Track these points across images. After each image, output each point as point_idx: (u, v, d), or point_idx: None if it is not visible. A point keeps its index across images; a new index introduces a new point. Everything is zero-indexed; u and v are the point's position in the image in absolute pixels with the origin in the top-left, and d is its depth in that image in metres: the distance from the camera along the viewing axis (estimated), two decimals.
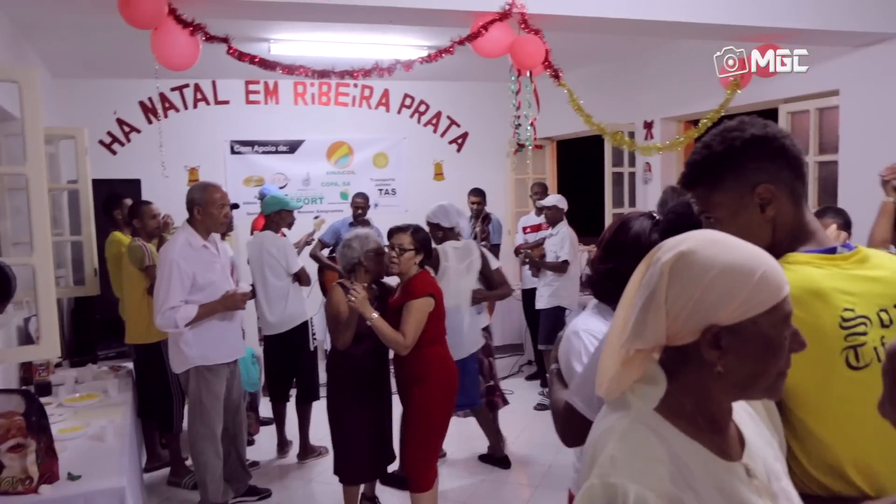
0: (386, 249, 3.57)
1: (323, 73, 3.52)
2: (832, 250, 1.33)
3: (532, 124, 3.80)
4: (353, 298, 3.24)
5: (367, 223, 6.34)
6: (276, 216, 4.75)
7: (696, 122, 6.71)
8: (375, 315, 3.31)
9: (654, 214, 1.83)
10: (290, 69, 3.48)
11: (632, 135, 5.84)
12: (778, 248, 1.32)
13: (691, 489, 0.99)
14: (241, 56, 3.37)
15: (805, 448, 1.29)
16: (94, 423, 3.37)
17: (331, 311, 3.53)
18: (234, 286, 4.03)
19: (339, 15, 3.45)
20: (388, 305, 3.56)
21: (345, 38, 5.56)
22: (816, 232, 1.38)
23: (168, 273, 3.65)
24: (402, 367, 3.55)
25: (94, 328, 5.90)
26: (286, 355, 4.81)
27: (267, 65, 3.44)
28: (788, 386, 1.14)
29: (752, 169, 1.36)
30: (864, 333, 1.25)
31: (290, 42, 5.62)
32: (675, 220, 1.67)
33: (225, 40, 3.25)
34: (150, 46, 3.14)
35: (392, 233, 3.56)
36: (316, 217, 6.58)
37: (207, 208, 3.76)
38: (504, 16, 3.50)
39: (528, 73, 3.65)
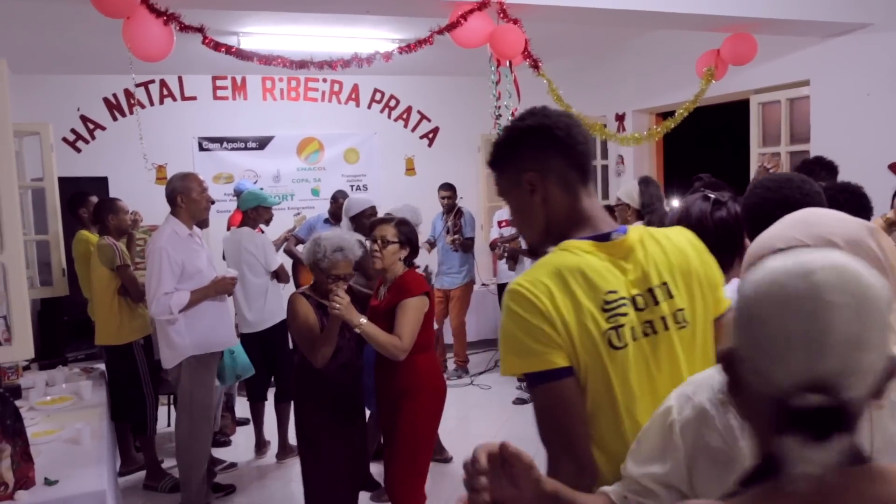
0: (367, 245, 3.27)
1: (301, 64, 3.44)
2: (606, 236, 1.39)
3: (513, 115, 3.78)
4: (337, 306, 2.84)
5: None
6: (253, 212, 4.67)
7: (666, 115, 6.78)
8: (364, 320, 2.92)
9: (709, 195, 1.86)
10: (266, 60, 3.40)
11: (604, 127, 5.84)
12: (553, 233, 1.43)
13: None
14: (216, 46, 3.29)
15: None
16: (68, 425, 3.28)
17: (299, 325, 3.10)
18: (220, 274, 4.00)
19: (317, 5, 3.40)
20: (369, 310, 3.18)
21: (315, 31, 5.48)
22: (592, 218, 1.43)
23: (158, 260, 3.66)
24: (388, 379, 3.16)
25: (61, 330, 5.75)
26: (264, 354, 4.74)
27: (243, 55, 3.36)
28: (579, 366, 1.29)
29: (524, 157, 1.44)
30: (625, 314, 1.33)
31: (260, 36, 5.51)
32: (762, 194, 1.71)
33: (200, 30, 3.16)
34: (123, 36, 3.04)
35: (375, 224, 3.27)
36: (297, 214, 6.51)
37: (189, 194, 3.78)
38: (482, 5, 3.48)
39: (507, 64, 3.62)
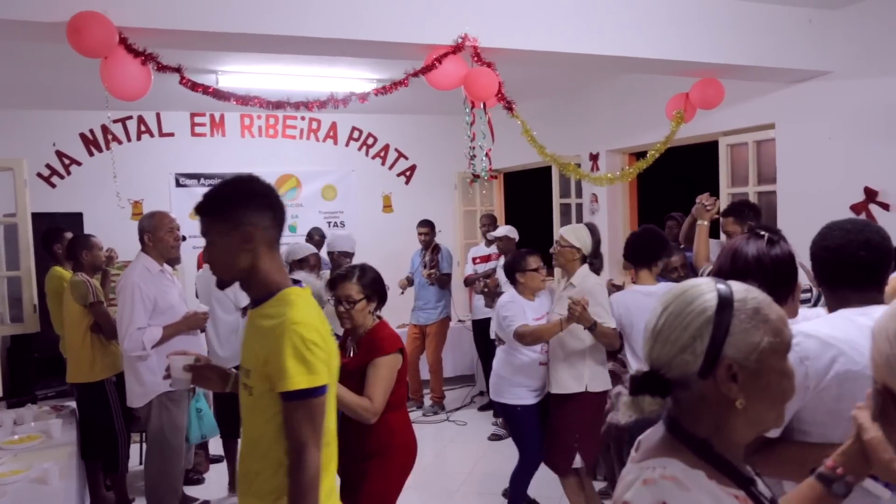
0: (330, 303, 2.98)
1: (278, 105, 3.50)
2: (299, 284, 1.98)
3: (487, 155, 3.86)
4: None
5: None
6: None
7: (639, 155, 6.92)
8: None
9: (761, 233, 1.96)
10: (243, 100, 3.45)
11: (577, 167, 5.96)
12: (252, 277, 1.93)
13: None
14: (193, 87, 3.33)
15: None
16: (36, 465, 3.23)
17: None
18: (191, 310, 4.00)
19: (291, 47, 3.46)
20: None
21: (293, 70, 5.56)
22: (283, 270, 2.00)
23: (130, 295, 3.66)
24: (356, 440, 2.84)
25: (31, 367, 5.67)
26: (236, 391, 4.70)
27: (220, 95, 3.40)
28: None
29: (244, 213, 1.88)
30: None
31: (238, 74, 5.58)
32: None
33: (178, 70, 3.21)
34: (101, 76, 3.08)
35: (335, 283, 2.96)
36: None
37: (157, 233, 3.82)
38: (457, 48, 3.56)
39: (481, 105, 3.71)
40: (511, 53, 3.70)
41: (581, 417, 3.78)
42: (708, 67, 4.56)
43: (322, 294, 2.92)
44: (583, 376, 3.76)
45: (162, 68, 3.15)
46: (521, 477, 4.03)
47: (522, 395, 3.90)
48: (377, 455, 2.88)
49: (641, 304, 3.58)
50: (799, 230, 4.97)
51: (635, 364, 3.67)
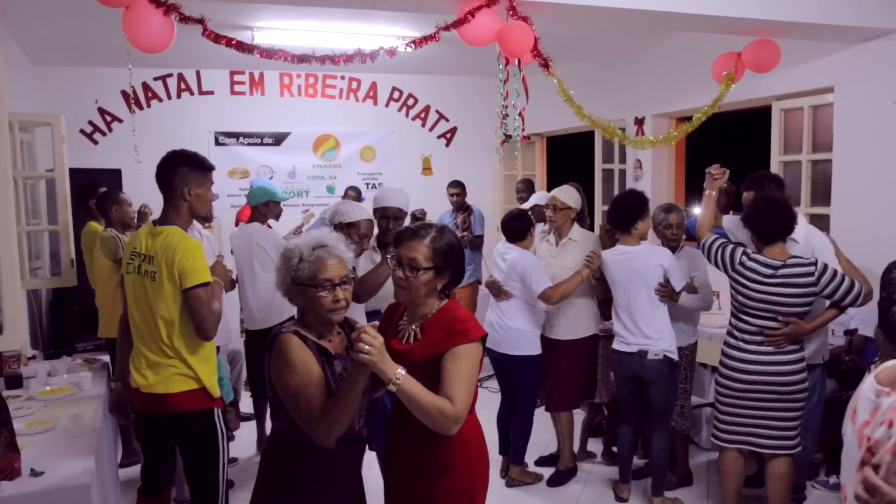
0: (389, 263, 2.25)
1: (303, 58, 3.39)
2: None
3: (520, 115, 3.70)
4: (366, 348, 1.82)
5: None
6: (263, 207, 4.61)
7: (688, 119, 6.64)
8: (402, 372, 1.92)
9: None
10: (267, 54, 3.35)
11: (620, 130, 5.72)
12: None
13: None
14: (216, 38, 3.24)
15: None
16: (63, 416, 3.26)
17: (296, 383, 2.01)
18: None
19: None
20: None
21: (328, 27, 5.45)
22: None
23: None
24: (419, 454, 2.18)
25: (71, 320, 5.77)
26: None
27: (243, 48, 3.31)
28: None
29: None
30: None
31: (273, 30, 5.49)
32: None
33: (200, 21, 3.12)
34: (122, 27, 3.02)
35: (400, 239, 2.21)
36: (305, 211, 6.45)
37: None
38: (491, 2, 3.40)
39: (516, 62, 3.54)
40: (548, 7, 3.51)
41: (588, 356, 4.36)
42: (764, 25, 4.29)
43: (340, 243, 2.20)
44: (589, 321, 4.30)
45: (184, 19, 3.06)
46: (527, 428, 4.34)
47: (538, 346, 4.25)
48: (448, 474, 2.16)
49: (619, 263, 3.94)
50: (855, 201, 4.74)
51: (620, 312, 3.96)
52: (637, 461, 4.50)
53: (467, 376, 2.06)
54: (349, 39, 5.60)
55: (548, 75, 3.62)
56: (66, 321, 5.81)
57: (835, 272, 3.23)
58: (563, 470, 4.46)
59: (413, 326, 2.22)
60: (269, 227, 4.85)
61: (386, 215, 3.45)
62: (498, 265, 4.33)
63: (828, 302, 3.32)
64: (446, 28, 3.37)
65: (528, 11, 3.48)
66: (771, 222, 3.29)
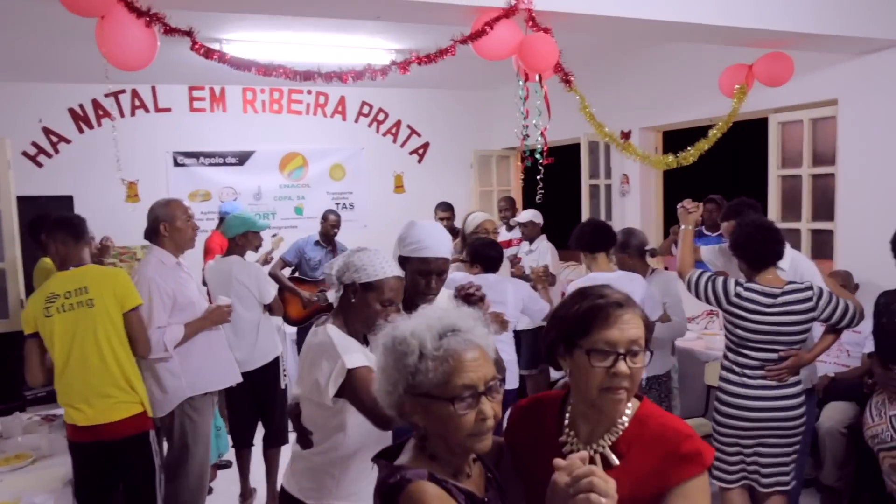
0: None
1: (307, 76, 2.99)
2: None
3: (542, 134, 3.38)
4: (604, 502, 1.14)
5: (334, 244, 5.83)
6: (241, 238, 4.18)
7: (672, 134, 6.46)
8: None
9: None
10: (266, 70, 2.95)
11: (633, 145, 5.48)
12: None
13: None
14: (207, 53, 2.82)
15: None
16: (26, 497, 2.78)
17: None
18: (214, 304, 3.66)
19: (323, 8, 2.98)
20: None
21: (302, 38, 5.05)
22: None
23: (148, 293, 3.30)
24: None
25: (19, 368, 5.15)
26: (254, 395, 4.24)
27: (239, 64, 2.89)
28: None
29: None
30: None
31: (245, 42, 5.05)
32: None
33: (188, 34, 2.70)
34: (97, 40, 2.57)
35: (604, 316, 1.44)
36: (274, 235, 5.99)
37: (174, 223, 3.46)
38: (510, 12, 3.07)
39: (536, 78, 3.22)
40: (571, 18, 3.21)
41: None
42: (767, 36, 4.09)
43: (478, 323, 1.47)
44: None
45: (170, 31, 2.64)
46: None
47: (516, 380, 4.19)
48: None
49: None
50: (859, 216, 4.57)
51: None
52: None
53: None
54: (324, 52, 5.22)
55: (568, 91, 3.31)
56: (12, 369, 5.20)
57: (830, 295, 3.15)
58: None
59: (600, 445, 1.45)
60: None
61: (427, 270, 2.40)
62: (502, 299, 3.92)
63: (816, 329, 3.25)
64: (463, 41, 3.03)
65: (549, 22, 3.16)
66: (762, 248, 3.16)
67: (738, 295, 3.13)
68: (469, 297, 2.39)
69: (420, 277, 2.38)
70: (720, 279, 3.22)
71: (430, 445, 1.40)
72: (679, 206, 3.69)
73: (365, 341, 2.22)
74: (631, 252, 4.09)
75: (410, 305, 2.24)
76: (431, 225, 2.53)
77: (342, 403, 2.09)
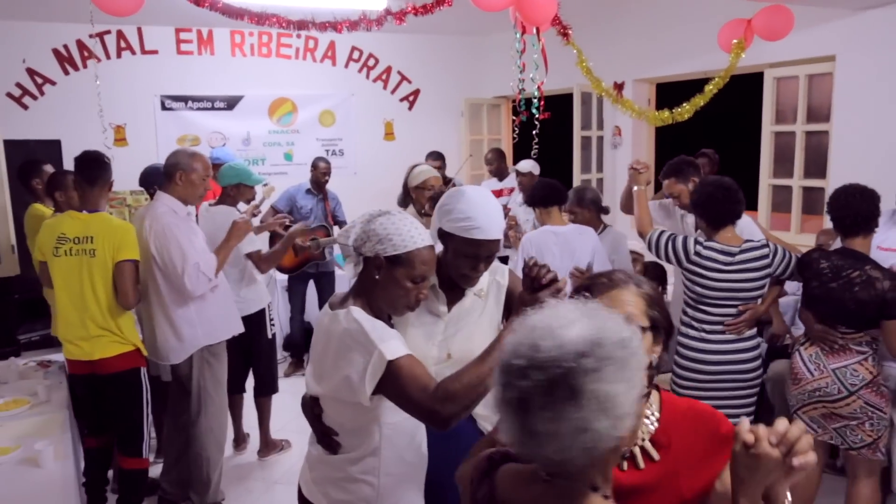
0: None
1: (301, 24, 2.93)
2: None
3: (539, 89, 3.35)
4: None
5: (325, 192, 5.79)
6: (233, 189, 4.13)
7: (666, 86, 6.42)
8: None
9: None
10: (259, 19, 2.88)
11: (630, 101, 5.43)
12: None
13: None
14: (198, 0, 2.76)
15: None
16: (26, 442, 2.82)
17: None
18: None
19: None
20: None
21: None
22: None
23: (170, 236, 3.33)
24: None
25: (12, 311, 5.18)
26: (241, 344, 4.26)
27: (231, 12, 2.83)
28: None
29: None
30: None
31: None
32: None
33: None
34: None
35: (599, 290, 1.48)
36: (265, 184, 5.92)
37: (190, 175, 3.42)
38: None
39: (534, 31, 3.17)
40: None
41: None
42: None
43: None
44: None
45: None
46: None
47: None
48: None
49: (549, 241, 3.79)
50: (851, 175, 4.61)
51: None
52: None
53: None
54: None
55: (566, 45, 3.28)
56: (6, 312, 5.22)
57: (784, 252, 3.22)
58: None
59: (639, 441, 1.38)
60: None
61: (476, 253, 2.01)
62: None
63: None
64: None
65: None
66: (723, 207, 3.19)
67: (697, 253, 3.19)
68: (537, 281, 1.73)
69: (465, 260, 2.01)
70: (680, 238, 3.27)
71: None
72: (629, 167, 3.72)
73: (388, 323, 1.87)
74: (585, 205, 4.12)
75: (448, 285, 2.09)
76: (483, 198, 2.03)
77: (378, 400, 1.77)
